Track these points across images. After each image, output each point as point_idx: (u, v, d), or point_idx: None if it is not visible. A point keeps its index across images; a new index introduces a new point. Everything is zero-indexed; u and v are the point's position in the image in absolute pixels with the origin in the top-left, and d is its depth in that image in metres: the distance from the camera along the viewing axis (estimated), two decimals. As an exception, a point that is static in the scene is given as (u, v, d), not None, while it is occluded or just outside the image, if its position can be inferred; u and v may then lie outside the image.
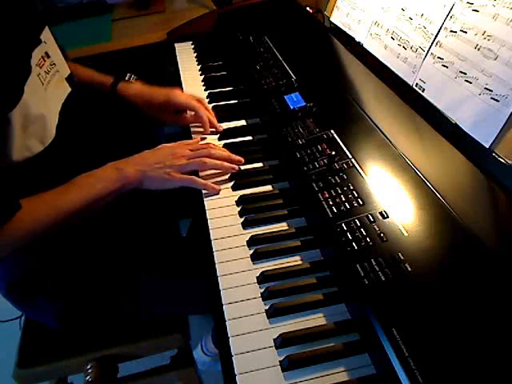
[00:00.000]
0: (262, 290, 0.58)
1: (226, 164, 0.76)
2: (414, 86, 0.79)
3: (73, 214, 0.66)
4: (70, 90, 0.77)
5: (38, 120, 0.65)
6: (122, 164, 0.71)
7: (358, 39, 0.99)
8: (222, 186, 0.75)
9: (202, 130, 0.89)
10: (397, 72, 0.84)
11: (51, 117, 0.69)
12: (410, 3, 0.83)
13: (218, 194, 0.73)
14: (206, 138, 0.87)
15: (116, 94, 0.92)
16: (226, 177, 0.76)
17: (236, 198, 0.72)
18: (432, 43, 0.76)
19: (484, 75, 0.66)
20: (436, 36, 0.76)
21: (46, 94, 0.69)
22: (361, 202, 0.61)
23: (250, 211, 0.69)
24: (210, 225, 0.69)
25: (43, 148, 0.67)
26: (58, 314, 0.78)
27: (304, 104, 0.84)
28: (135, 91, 0.93)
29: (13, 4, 0.63)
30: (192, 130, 0.90)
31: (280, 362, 0.51)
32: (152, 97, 0.92)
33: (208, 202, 0.72)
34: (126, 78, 0.97)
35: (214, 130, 0.88)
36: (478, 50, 0.67)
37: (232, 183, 0.75)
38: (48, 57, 0.70)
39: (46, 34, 0.72)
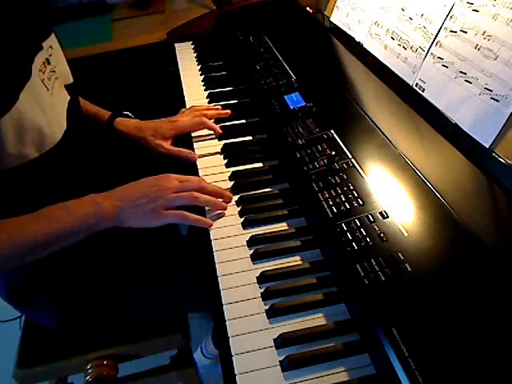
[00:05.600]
0: (262, 290, 0.58)
1: (219, 202, 0.69)
2: (413, 86, 0.79)
3: (33, 249, 0.59)
4: (69, 97, 0.75)
5: (36, 128, 0.62)
6: (101, 198, 0.64)
7: (358, 39, 0.99)
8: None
9: (203, 134, 0.88)
10: (397, 72, 0.84)
11: (57, 122, 0.67)
12: (410, 3, 0.83)
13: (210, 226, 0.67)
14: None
15: (112, 128, 0.89)
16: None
17: (236, 198, 0.72)
18: (432, 43, 0.76)
19: (484, 75, 0.66)
20: (436, 36, 0.76)
21: (53, 99, 0.67)
22: (361, 202, 0.61)
23: (250, 211, 0.69)
24: (209, 225, 0.68)
25: (39, 155, 0.63)
26: (57, 318, 0.78)
27: (304, 104, 0.84)
28: (134, 124, 0.89)
29: (19, 9, 0.62)
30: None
31: (280, 361, 0.51)
32: (156, 126, 0.88)
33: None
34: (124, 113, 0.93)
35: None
36: (478, 50, 0.67)
37: (232, 183, 0.75)
38: (48, 63, 0.68)
39: (52, 40, 0.71)
